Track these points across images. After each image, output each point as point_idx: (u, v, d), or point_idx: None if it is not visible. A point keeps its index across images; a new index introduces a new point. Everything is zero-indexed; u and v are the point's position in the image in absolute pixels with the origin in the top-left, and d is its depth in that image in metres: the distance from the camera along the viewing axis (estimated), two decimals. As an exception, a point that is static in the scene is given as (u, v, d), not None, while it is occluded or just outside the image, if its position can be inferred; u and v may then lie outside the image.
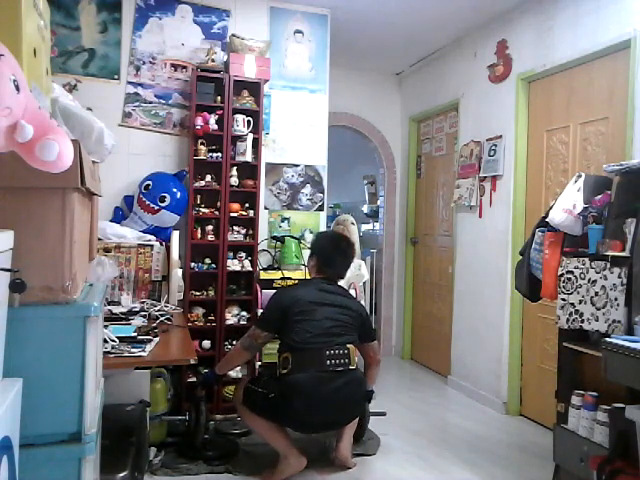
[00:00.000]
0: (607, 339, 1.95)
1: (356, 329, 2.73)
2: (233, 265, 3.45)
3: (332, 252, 2.85)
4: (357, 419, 2.86)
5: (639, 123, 2.75)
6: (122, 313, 2.75)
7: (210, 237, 3.38)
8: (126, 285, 3.09)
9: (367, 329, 2.85)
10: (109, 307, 2.79)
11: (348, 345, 2.63)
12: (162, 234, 3.28)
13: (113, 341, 2.20)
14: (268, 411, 2.56)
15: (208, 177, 3.39)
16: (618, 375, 1.90)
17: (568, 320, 2.37)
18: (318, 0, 3.70)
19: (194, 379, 3.27)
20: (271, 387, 2.55)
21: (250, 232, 3.51)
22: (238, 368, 3.27)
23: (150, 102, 3.46)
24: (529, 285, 2.64)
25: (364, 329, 2.81)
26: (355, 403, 2.68)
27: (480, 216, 3.98)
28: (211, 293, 3.42)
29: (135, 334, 2.40)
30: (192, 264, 3.38)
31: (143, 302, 2.99)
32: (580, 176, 2.46)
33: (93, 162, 1.84)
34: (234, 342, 3.43)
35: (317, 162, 3.84)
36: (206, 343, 3.36)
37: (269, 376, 2.68)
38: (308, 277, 3.06)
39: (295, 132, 3.77)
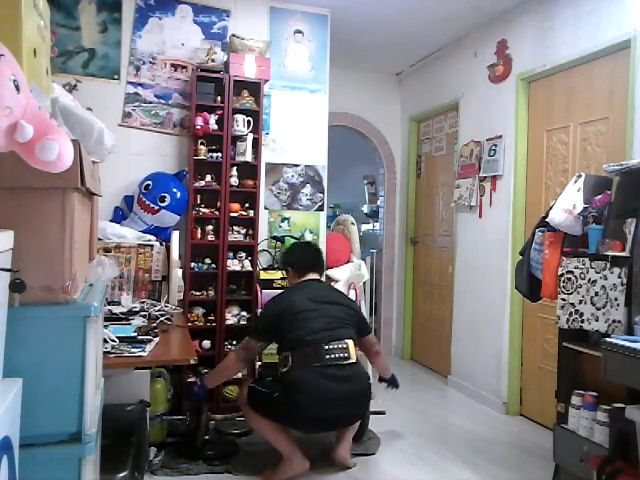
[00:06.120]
0: (607, 339, 1.95)
1: (352, 324, 2.76)
2: (233, 265, 3.45)
3: (302, 254, 2.97)
4: (359, 421, 2.86)
5: (639, 123, 2.75)
6: (122, 313, 2.75)
7: (210, 237, 3.38)
8: (126, 285, 3.08)
9: (361, 321, 2.87)
10: (109, 307, 2.79)
11: (346, 340, 2.64)
12: (162, 234, 3.28)
13: (113, 341, 2.20)
14: (273, 411, 2.55)
15: (208, 177, 3.39)
16: (618, 375, 1.90)
17: (568, 320, 2.37)
18: (318, 0, 3.70)
19: (194, 379, 3.27)
20: (274, 387, 2.55)
21: (250, 232, 3.51)
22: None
23: (150, 102, 3.46)
24: (529, 285, 2.64)
25: (358, 322, 2.82)
26: (359, 397, 2.67)
27: (480, 216, 3.98)
28: (211, 293, 3.42)
29: (135, 334, 2.40)
30: (192, 264, 3.38)
31: (143, 302, 2.99)
32: (580, 176, 2.46)
33: (93, 162, 1.85)
34: (234, 342, 3.43)
35: (317, 162, 3.84)
36: (206, 343, 3.36)
37: (272, 376, 2.68)
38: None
39: (295, 132, 3.77)
